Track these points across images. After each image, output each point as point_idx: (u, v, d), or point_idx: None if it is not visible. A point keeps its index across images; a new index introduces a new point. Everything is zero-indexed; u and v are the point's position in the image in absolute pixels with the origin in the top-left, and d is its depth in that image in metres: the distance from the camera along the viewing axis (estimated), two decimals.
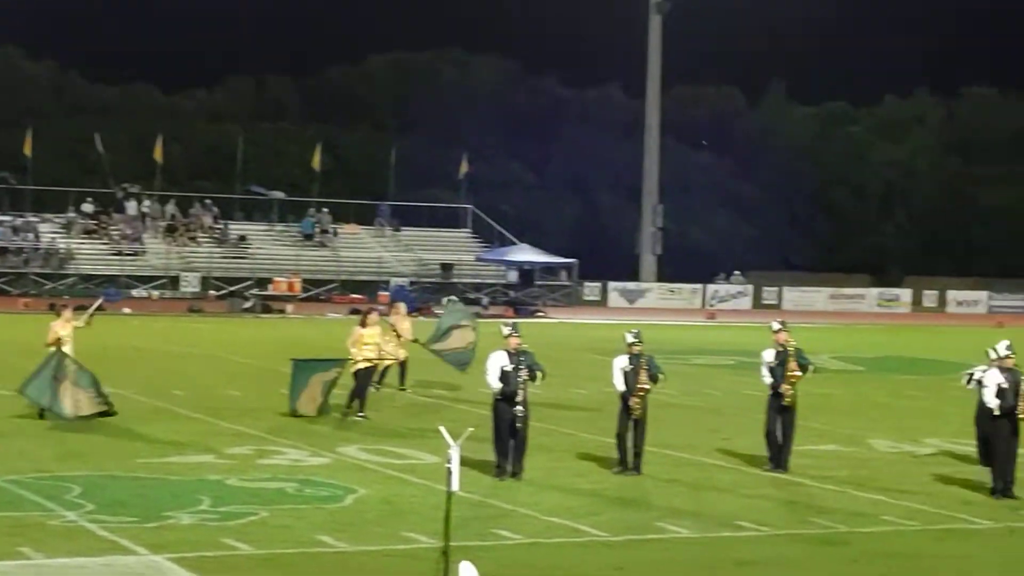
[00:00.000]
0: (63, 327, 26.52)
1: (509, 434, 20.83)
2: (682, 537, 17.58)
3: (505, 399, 20.79)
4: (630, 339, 21.77)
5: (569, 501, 19.57)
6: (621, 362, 21.65)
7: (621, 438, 21.78)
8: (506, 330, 21.22)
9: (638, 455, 21.73)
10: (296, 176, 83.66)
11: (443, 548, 12.78)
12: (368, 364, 27.39)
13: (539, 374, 21.11)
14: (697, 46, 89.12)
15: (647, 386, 21.60)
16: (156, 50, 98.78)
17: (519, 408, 20.71)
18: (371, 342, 27.50)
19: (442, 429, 13.23)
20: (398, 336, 30.97)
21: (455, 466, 12.87)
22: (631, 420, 21.62)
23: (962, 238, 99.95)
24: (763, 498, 20.38)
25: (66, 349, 25.90)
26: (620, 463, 21.80)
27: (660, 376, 21.97)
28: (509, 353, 20.83)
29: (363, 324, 27.73)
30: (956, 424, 24.54)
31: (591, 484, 20.99)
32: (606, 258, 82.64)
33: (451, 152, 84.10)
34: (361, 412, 27.02)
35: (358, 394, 27.18)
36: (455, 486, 12.91)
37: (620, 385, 21.62)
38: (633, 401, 21.49)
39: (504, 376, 20.71)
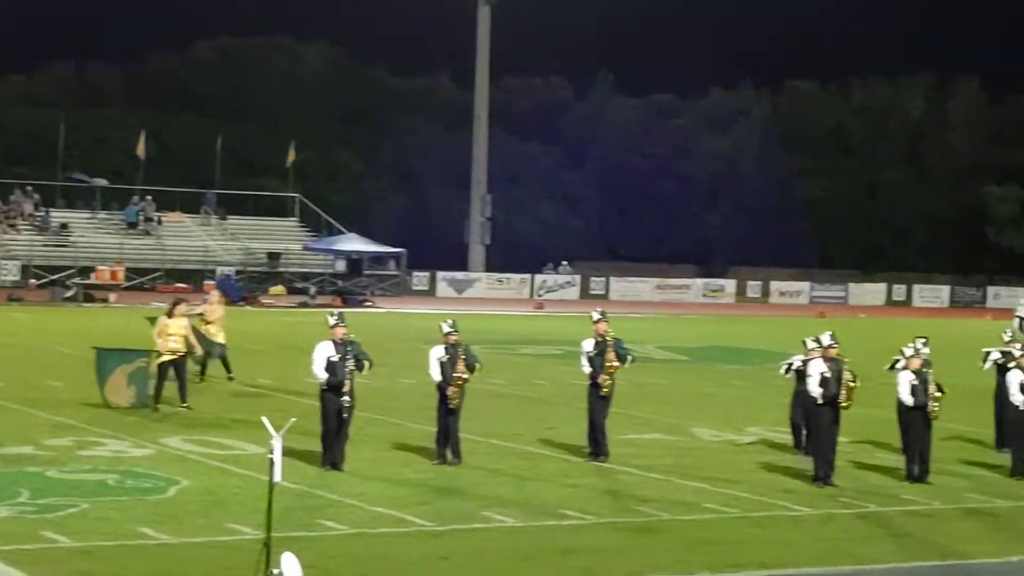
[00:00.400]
0: None
1: (335, 424, 20.76)
2: (507, 526, 17.66)
3: (331, 389, 20.71)
4: (446, 329, 21.77)
5: (395, 491, 19.55)
6: (438, 352, 21.63)
7: (440, 428, 21.79)
8: (331, 320, 21.13)
9: (454, 444, 21.75)
10: (120, 164, 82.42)
11: (265, 539, 12.68)
12: (173, 356, 26.89)
13: (366, 364, 21.07)
14: (526, 37, 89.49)
15: (465, 376, 21.62)
16: None
17: (345, 398, 20.64)
18: (176, 333, 26.96)
19: (264, 419, 13.14)
20: (207, 323, 30.75)
21: (278, 456, 12.78)
22: (448, 410, 21.63)
23: (785, 229, 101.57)
24: (587, 487, 20.55)
25: None
26: (439, 454, 21.81)
27: (477, 365, 21.97)
28: (335, 343, 20.76)
29: (170, 315, 27.23)
30: (778, 413, 24.95)
31: (417, 474, 21.00)
32: (435, 248, 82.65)
33: (279, 141, 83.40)
34: (184, 403, 26.66)
35: (180, 388, 26.79)
36: (278, 477, 12.83)
37: (437, 375, 21.61)
38: (451, 391, 21.51)
39: (330, 366, 20.65)
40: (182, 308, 27.72)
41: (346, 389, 20.63)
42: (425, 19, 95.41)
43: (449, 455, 21.72)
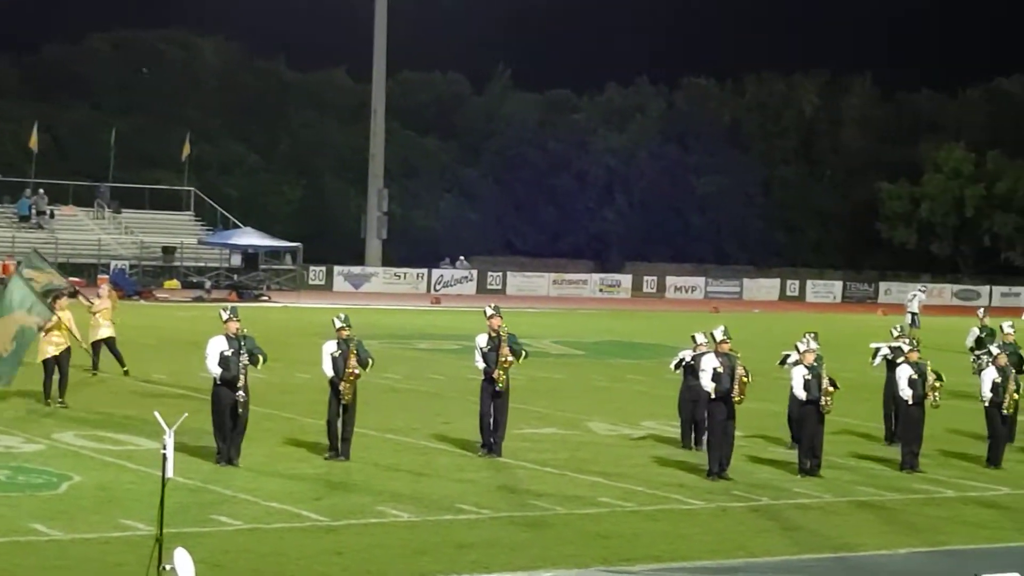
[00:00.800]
0: None
1: (230, 420, 20.64)
2: (403, 521, 17.68)
3: (225, 384, 20.59)
4: (338, 324, 21.71)
5: (290, 486, 19.52)
6: (330, 347, 21.58)
7: (331, 424, 21.69)
8: (225, 314, 20.98)
9: (347, 440, 21.67)
10: (12, 156, 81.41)
11: (157, 535, 12.63)
12: (57, 351, 26.44)
13: (260, 358, 20.97)
14: (423, 31, 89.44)
15: (357, 371, 21.56)
16: None
17: (240, 393, 20.54)
18: (59, 327, 26.52)
19: (157, 414, 13.09)
20: (93, 314, 30.56)
21: (170, 452, 12.72)
22: (341, 405, 21.57)
23: (679, 225, 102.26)
24: (483, 482, 20.61)
25: None
26: (330, 449, 21.72)
27: (370, 360, 21.92)
28: (228, 338, 20.64)
29: (51, 308, 26.55)
30: (672, 407, 25.14)
31: (312, 469, 20.96)
32: (331, 242, 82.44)
33: (174, 134, 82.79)
34: (60, 399, 26.32)
35: (60, 383, 26.45)
36: (170, 472, 12.78)
37: (329, 370, 21.54)
38: (343, 386, 21.43)
39: (224, 361, 20.52)
40: (63, 302, 27.18)
41: (240, 384, 20.52)
42: (322, 13, 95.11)
43: (340, 450, 21.61)
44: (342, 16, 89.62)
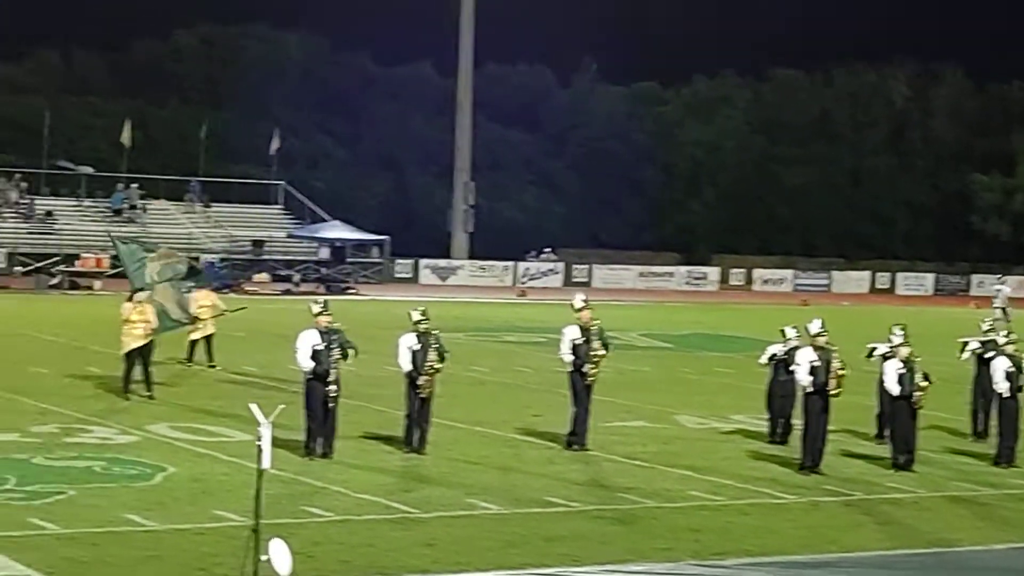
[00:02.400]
0: None
1: (321, 413, 20.68)
2: (492, 513, 17.70)
3: (317, 378, 20.62)
4: (417, 317, 21.54)
5: (379, 478, 19.59)
6: (408, 341, 21.41)
7: (410, 418, 21.63)
8: (316, 308, 21.02)
9: (423, 436, 21.58)
10: (105, 151, 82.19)
11: (254, 526, 12.71)
12: (139, 344, 26.53)
13: (351, 352, 21.01)
14: (509, 25, 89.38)
15: (438, 366, 21.47)
16: None
17: (332, 387, 20.54)
18: (139, 319, 26.55)
19: (253, 406, 13.15)
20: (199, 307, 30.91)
21: (266, 443, 12.80)
22: (419, 399, 21.48)
23: (767, 217, 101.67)
24: (571, 475, 20.60)
25: None
26: (407, 443, 21.63)
27: (446, 355, 21.81)
28: (320, 331, 20.67)
29: (130, 299, 26.89)
30: (762, 401, 24.99)
31: (401, 461, 21.03)
32: (418, 235, 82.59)
33: (262, 128, 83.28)
34: (148, 392, 26.42)
35: (145, 376, 26.65)
36: (267, 463, 12.84)
37: (407, 364, 21.38)
38: (423, 380, 21.31)
39: (315, 355, 20.54)
40: (142, 294, 27.34)
41: (332, 378, 20.53)
42: (407, 7, 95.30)
43: (416, 444, 21.51)
44: (427, 9, 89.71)
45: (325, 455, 20.62)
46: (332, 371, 20.47)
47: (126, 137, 77.04)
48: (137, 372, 26.58)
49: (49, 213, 73.96)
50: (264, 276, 69.86)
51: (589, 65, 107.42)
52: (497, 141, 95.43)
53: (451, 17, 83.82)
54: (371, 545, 15.80)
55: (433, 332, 21.58)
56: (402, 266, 76.88)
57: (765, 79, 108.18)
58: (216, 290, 34.42)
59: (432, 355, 21.33)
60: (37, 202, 74.86)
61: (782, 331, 23.85)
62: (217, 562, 14.63)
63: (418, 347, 21.35)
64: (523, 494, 18.86)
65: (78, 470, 19.19)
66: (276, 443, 19.45)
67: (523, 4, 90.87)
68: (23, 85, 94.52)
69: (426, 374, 21.32)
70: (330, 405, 20.58)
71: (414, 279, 76.19)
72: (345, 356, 20.79)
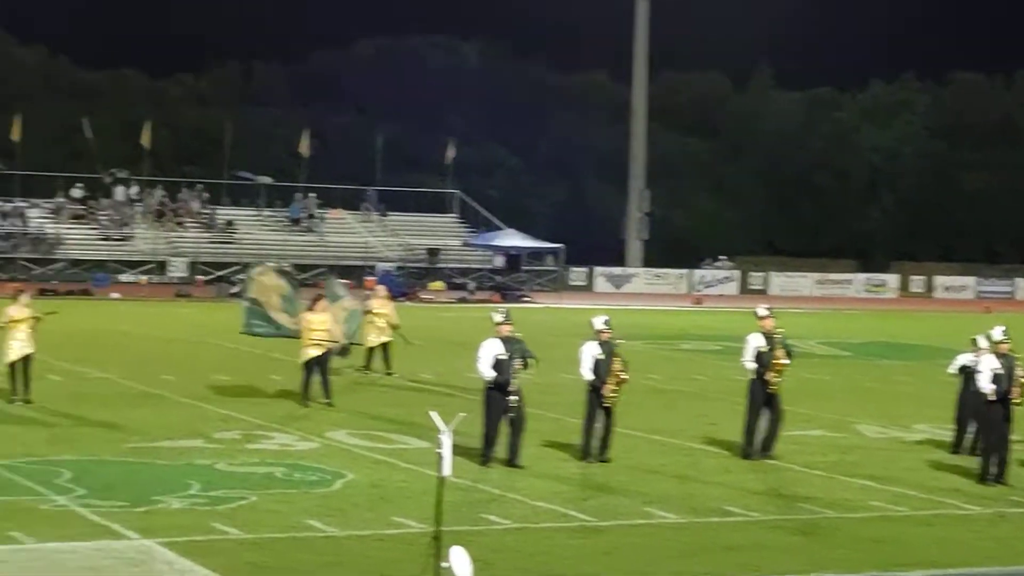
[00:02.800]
0: (19, 311, 25.64)
1: (501, 423, 20.63)
2: (669, 522, 17.61)
3: (498, 388, 20.55)
4: (599, 325, 21.30)
5: (556, 486, 19.58)
6: (592, 349, 21.20)
7: (589, 426, 21.50)
8: (498, 317, 20.90)
9: (606, 444, 21.45)
10: (283, 161, 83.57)
11: (435, 533, 12.78)
12: (319, 352, 26.76)
13: (531, 361, 20.97)
14: (683, 32, 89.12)
15: (625, 375, 21.31)
16: (143, 35, 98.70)
17: (514, 398, 20.46)
18: (320, 328, 26.88)
19: (433, 414, 13.22)
20: (375, 315, 31.24)
21: (447, 451, 12.85)
22: (602, 408, 21.37)
23: (947, 223, 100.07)
24: (750, 484, 20.41)
25: (20, 334, 25.48)
26: (585, 452, 21.50)
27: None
28: (502, 340, 20.60)
29: (311, 310, 27.18)
30: (944, 410, 24.54)
31: (577, 469, 21.00)
32: (592, 243, 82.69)
33: (437, 137, 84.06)
34: (327, 399, 26.70)
35: (323, 384, 26.94)
36: (447, 471, 12.89)
37: (589, 374, 21.21)
38: (608, 389, 21.13)
39: (498, 364, 20.42)
40: (323, 303, 27.61)
41: (514, 388, 20.45)
42: (582, 15, 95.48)
43: (595, 453, 21.39)
44: (602, 17, 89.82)
45: (510, 462, 20.49)
46: (513, 381, 20.44)
47: (304, 147, 78.20)
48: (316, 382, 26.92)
49: (230, 223, 75.38)
50: (439, 284, 70.41)
51: (764, 70, 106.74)
52: (672, 148, 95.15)
53: (626, 24, 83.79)
54: (548, 553, 15.80)
55: (617, 341, 21.42)
56: (576, 274, 77.03)
57: (944, 82, 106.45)
58: (393, 298, 34.73)
59: (617, 365, 21.14)
60: (218, 212, 76.35)
61: (973, 340, 23.18)
62: (398, 568, 14.71)
63: (602, 356, 21.22)
64: (701, 503, 18.74)
65: (260, 476, 19.46)
66: (454, 451, 19.62)
67: (698, 10, 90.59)
68: (205, 97, 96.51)
69: (613, 383, 21.12)
70: (512, 416, 20.49)
71: (588, 287, 76.28)
72: (526, 365, 20.77)
